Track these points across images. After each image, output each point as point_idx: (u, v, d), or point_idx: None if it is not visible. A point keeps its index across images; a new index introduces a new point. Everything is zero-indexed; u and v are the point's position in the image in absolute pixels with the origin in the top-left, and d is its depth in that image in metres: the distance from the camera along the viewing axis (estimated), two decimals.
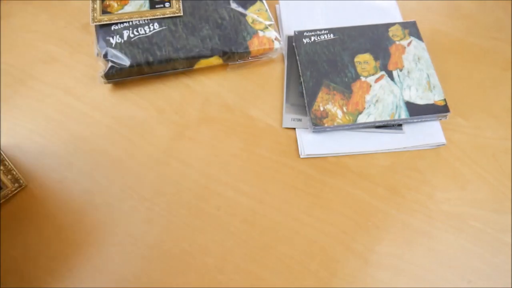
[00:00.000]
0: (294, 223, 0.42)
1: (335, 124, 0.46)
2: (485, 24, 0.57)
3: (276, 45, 0.51)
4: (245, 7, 0.53)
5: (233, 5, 0.53)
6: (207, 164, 0.45)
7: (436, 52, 0.53)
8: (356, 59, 0.50)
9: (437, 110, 0.47)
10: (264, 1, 0.54)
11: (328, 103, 0.47)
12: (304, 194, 0.44)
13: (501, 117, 0.49)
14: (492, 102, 0.50)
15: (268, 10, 0.54)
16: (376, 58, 0.50)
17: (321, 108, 0.47)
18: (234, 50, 0.50)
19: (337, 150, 0.46)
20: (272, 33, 0.52)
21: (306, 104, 0.48)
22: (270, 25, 0.52)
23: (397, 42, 0.52)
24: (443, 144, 0.47)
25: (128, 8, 0.51)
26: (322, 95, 0.48)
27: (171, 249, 0.41)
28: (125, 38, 0.49)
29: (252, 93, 0.51)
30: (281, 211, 0.43)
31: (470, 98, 0.50)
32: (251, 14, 0.52)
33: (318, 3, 0.58)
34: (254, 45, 0.50)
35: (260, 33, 0.51)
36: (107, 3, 0.51)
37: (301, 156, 0.46)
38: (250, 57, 0.51)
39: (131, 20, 0.50)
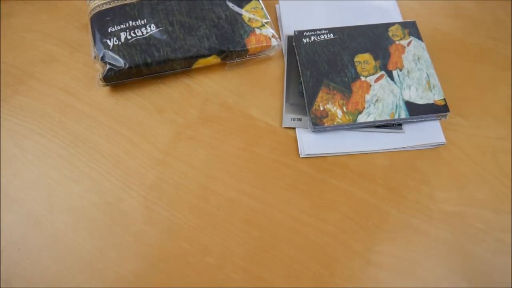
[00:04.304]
0: (294, 223, 0.42)
1: (335, 123, 0.46)
2: (485, 24, 0.57)
3: (273, 42, 0.51)
4: (241, 6, 0.53)
5: (229, 4, 0.53)
6: (207, 164, 0.45)
7: (436, 52, 0.53)
8: (356, 59, 0.50)
9: (437, 109, 0.47)
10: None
11: (328, 103, 0.47)
12: (304, 194, 0.44)
13: (501, 117, 0.49)
14: (492, 102, 0.50)
15: (264, 8, 0.54)
16: (376, 58, 0.50)
17: (321, 108, 0.47)
18: (231, 49, 0.50)
19: (337, 150, 0.46)
20: (269, 31, 0.52)
21: (306, 104, 0.48)
22: (266, 22, 0.52)
23: (397, 42, 0.52)
24: (443, 144, 0.47)
25: None
26: (322, 94, 0.48)
27: (171, 249, 0.41)
28: (123, 40, 0.49)
29: (252, 92, 0.51)
30: (281, 211, 0.43)
31: (470, 98, 0.50)
32: (247, 12, 0.52)
33: (318, 3, 0.58)
34: (252, 43, 0.50)
35: (257, 31, 0.51)
36: None
37: (301, 156, 0.46)
38: (248, 55, 0.51)
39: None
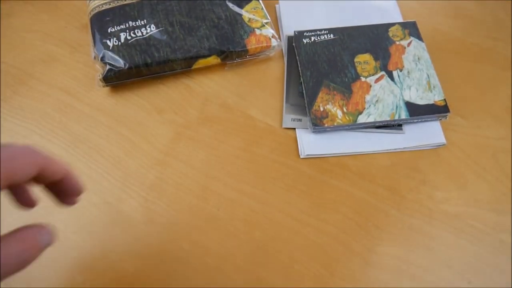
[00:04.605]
0: (294, 223, 0.42)
1: (335, 124, 0.46)
2: (485, 24, 0.57)
3: (274, 42, 0.51)
4: (241, 6, 0.53)
5: (229, 4, 0.53)
6: (207, 164, 0.45)
7: (436, 52, 0.53)
8: (356, 59, 0.50)
9: (437, 110, 0.47)
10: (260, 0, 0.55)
11: (328, 103, 0.47)
12: (304, 194, 0.44)
13: (501, 117, 0.49)
14: (492, 102, 0.50)
15: (264, 8, 0.54)
16: (376, 58, 0.50)
17: (321, 108, 0.47)
18: (231, 49, 0.50)
19: (337, 150, 0.46)
20: (269, 31, 0.52)
21: (306, 104, 0.48)
22: (266, 23, 0.52)
23: (397, 42, 0.52)
24: (443, 144, 0.47)
25: None
26: (322, 95, 0.48)
27: (171, 249, 0.41)
28: (122, 40, 0.49)
29: (252, 93, 0.51)
30: (281, 211, 0.43)
31: (470, 98, 0.50)
32: (247, 12, 0.52)
33: (318, 3, 0.58)
34: (252, 43, 0.50)
35: (257, 31, 0.51)
36: None
37: (301, 156, 0.46)
38: (248, 55, 0.51)
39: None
